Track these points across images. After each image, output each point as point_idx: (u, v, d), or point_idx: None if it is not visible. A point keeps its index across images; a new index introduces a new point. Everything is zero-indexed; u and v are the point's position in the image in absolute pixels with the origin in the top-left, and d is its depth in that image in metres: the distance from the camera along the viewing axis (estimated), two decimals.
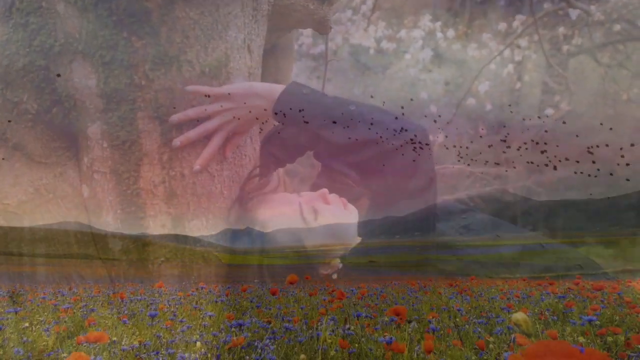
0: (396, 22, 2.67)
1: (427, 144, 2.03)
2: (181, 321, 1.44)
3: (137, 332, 1.39)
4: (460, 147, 2.24)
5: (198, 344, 1.12)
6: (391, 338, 0.97)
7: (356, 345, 1.16)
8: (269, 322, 1.33)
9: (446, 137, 2.21)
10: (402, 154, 2.00)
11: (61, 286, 2.51)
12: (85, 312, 1.71)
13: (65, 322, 1.52)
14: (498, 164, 2.28)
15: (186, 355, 1.07)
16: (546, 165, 2.10)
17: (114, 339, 1.21)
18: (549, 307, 1.73)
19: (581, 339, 1.14)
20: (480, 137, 2.35)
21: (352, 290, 2.25)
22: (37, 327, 1.46)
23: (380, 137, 1.96)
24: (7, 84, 1.73)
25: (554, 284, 2.32)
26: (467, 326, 1.41)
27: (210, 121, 1.83)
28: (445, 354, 1.12)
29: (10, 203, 1.97)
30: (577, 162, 2.02)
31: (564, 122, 2.22)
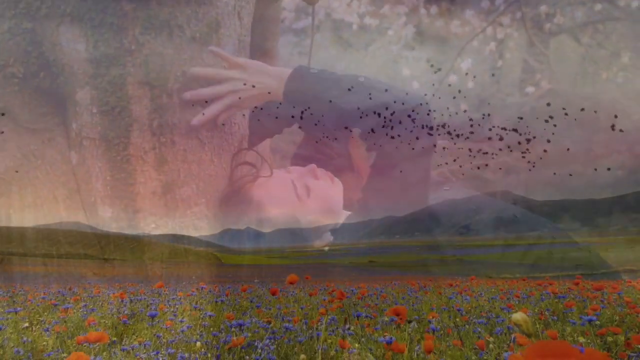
0: None
1: (427, 114, 2.08)
2: (181, 321, 1.44)
3: (137, 332, 1.39)
4: (443, 124, 2.24)
5: (198, 344, 1.12)
6: (391, 338, 0.97)
7: (356, 345, 1.16)
8: (269, 322, 1.33)
9: (428, 113, 2.21)
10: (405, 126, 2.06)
11: (61, 286, 2.51)
12: (85, 312, 1.71)
13: (65, 322, 1.52)
14: (479, 140, 2.28)
15: (186, 355, 1.07)
16: (528, 141, 2.11)
17: (114, 339, 1.20)
18: (549, 307, 1.73)
19: (581, 339, 1.14)
20: (464, 111, 2.35)
21: (352, 290, 2.25)
22: (37, 327, 1.46)
23: (387, 108, 2.00)
24: None
25: (554, 284, 2.32)
26: (467, 326, 1.41)
27: (221, 101, 1.84)
28: (445, 354, 1.12)
29: None
30: (548, 141, 2.04)
31: (548, 104, 2.22)
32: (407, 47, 2.54)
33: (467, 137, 2.25)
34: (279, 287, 1.92)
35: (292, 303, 1.96)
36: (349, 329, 1.27)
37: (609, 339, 1.12)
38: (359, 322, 1.42)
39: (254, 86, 1.89)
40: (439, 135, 2.22)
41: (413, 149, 2.19)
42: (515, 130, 2.19)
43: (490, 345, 1.12)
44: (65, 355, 1.15)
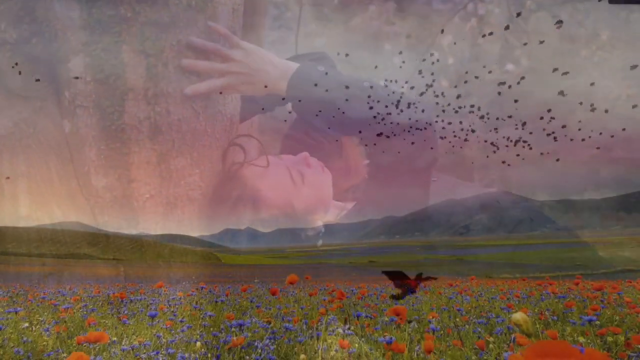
0: None
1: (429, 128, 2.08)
2: (181, 321, 1.44)
3: (137, 332, 1.39)
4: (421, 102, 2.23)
5: (198, 344, 1.12)
6: (391, 338, 0.97)
7: (356, 345, 1.16)
8: (269, 322, 1.33)
9: (412, 88, 2.20)
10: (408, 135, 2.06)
11: (61, 286, 2.51)
12: (85, 312, 1.71)
13: (65, 322, 1.52)
14: (458, 116, 2.27)
15: (186, 355, 1.07)
16: (508, 118, 2.11)
17: (114, 339, 1.21)
18: (549, 307, 1.73)
19: (581, 339, 1.14)
20: (442, 91, 2.33)
21: (352, 290, 2.25)
22: (37, 327, 1.46)
23: (389, 113, 2.00)
24: None
25: (554, 284, 2.32)
26: (467, 326, 1.41)
27: (221, 79, 1.82)
28: (445, 354, 1.12)
29: None
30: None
31: (521, 80, 2.21)
32: (388, 23, 2.51)
33: (445, 112, 2.24)
34: (279, 287, 1.92)
35: (292, 303, 1.96)
36: (349, 329, 1.27)
37: (609, 339, 1.12)
38: (359, 322, 1.42)
39: (261, 78, 1.88)
40: (422, 112, 2.20)
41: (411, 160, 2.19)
42: (493, 107, 2.19)
43: (490, 345, 1.12)
44: (65, 355, 1.15)
